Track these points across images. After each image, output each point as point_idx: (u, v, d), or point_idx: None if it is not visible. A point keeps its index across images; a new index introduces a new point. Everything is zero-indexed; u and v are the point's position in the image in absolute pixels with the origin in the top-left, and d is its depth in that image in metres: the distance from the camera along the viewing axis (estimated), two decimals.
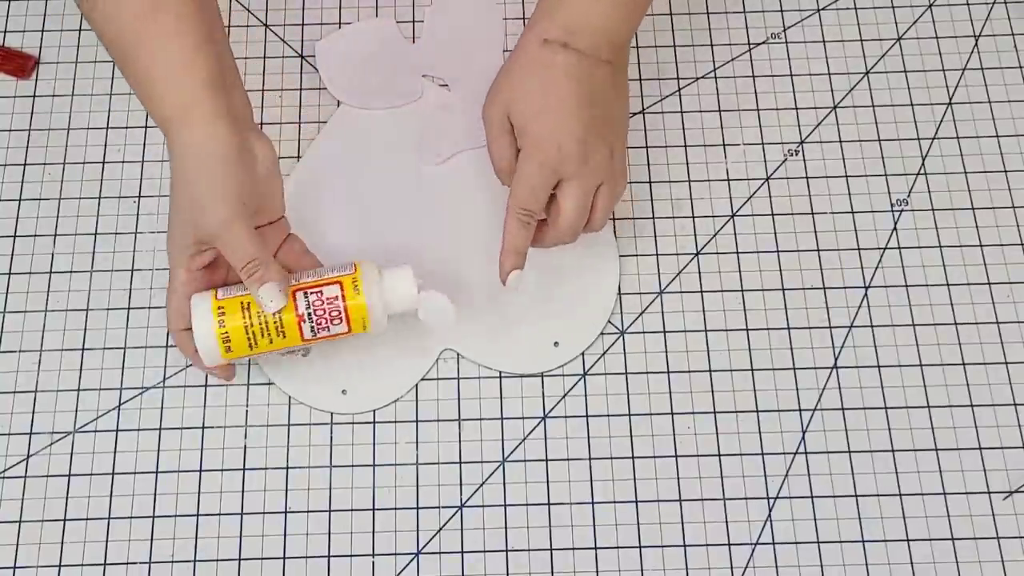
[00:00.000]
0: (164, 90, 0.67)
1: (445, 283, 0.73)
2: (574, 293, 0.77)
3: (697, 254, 0.79)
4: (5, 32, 0.87)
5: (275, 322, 0.67)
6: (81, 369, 0.76)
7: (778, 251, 0.79)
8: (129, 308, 0.78)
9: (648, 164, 0.82)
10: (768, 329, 0.77)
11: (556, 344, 0.76)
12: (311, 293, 0.68)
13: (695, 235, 0.80)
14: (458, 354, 0.76)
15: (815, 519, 0.72)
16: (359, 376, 0.75)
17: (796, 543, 0.71)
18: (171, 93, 0.67)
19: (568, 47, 0.69)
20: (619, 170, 0.72)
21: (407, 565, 0.71)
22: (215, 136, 0.66)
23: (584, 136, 0.69)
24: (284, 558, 0.71)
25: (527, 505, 0.72)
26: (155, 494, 0.72)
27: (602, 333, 0.77)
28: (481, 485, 0.73)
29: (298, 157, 0.82)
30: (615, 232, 0.79)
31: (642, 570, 0.71)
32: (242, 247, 0.66)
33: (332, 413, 0.74)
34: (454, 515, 0.72)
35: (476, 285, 0.76)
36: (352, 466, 0.73)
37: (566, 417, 0.75)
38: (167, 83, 0.67)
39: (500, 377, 0.76)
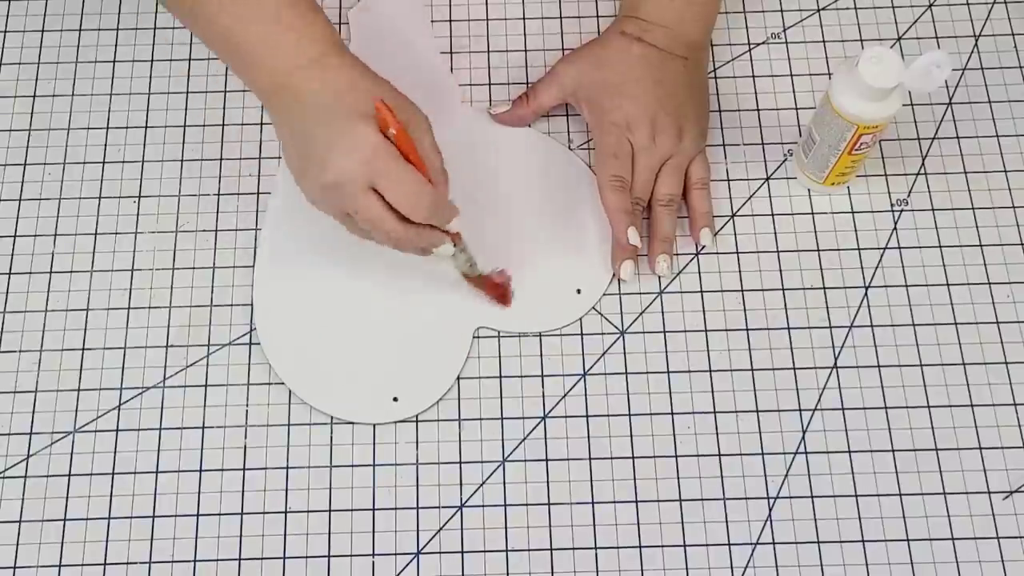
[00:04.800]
0: (296, 41, 0.67)
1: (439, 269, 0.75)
2: (579, 241, 0.79)
3: (697, 254, 0.79)
4: (5, 32, 0.87)
5: None
6: (81, 369, 0.76)
7: (778, 251, 0.79)
8: (129, 308, 0.78)
9: None
10: (768, 329, 0.77)
11: (579, 291, 0.77)
12: None
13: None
14: (499, 333, 0.76)
15: (815, 519, 0.72)
16: (407, 379, 0.75)
17: (796, 543, 0.71)
18: (304, 44, 0.67)
19: (643, 41, 0.78)
20: (688, 151, 0.78)
21: (407, 565, 0.71)
22: (358, 70, 0.67)
23: (653, 114, 0.76)
24: (284, 558, 0.71)
25: (527, 505, 0.72)
26: (155, 494, 0.72)
27: (602, 333, 0.77)
28: (481, 485, 0.73)
29: None
30: None
31: (642, 570, 0.71)
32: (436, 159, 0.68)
33: (375, 425, 0.74)
34: (454, 515, 0.72)
35: (483, 258, 0.76)
36: (352, 466, 0.73)
37: (566, 417, 0.75)
38: (299, 34, 0.67)
39: (500, 377, 0.76)
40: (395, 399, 0.74)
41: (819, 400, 0.75)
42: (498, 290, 0.76)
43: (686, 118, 0.78)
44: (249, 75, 0.69)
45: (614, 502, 0.72)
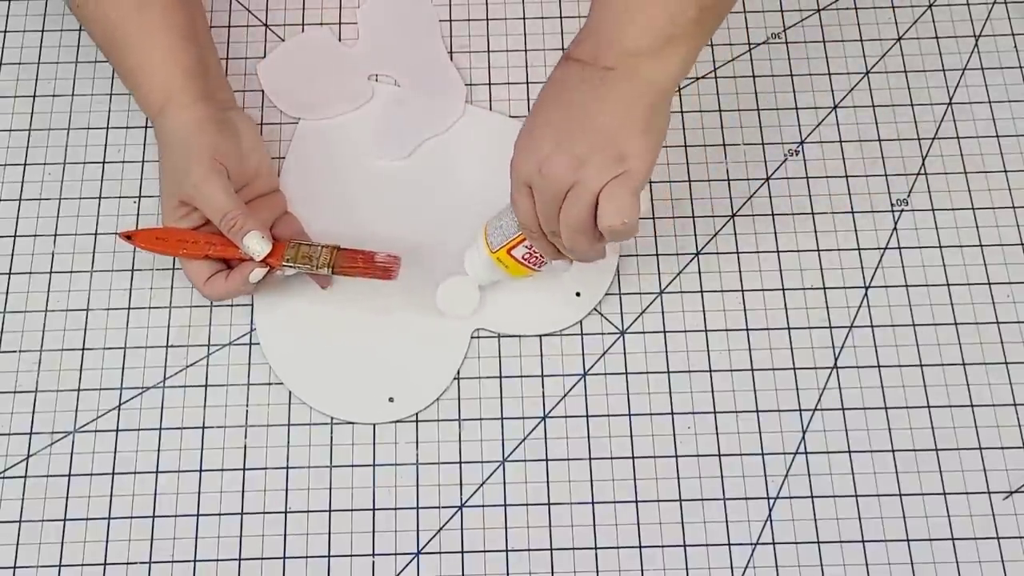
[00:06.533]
0: (150, 80, 0.74)
1: (446, 267, 0.76)
2: None
3: (697, 254, 0.79)
4: (5, 32, 0.87)
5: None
6: (81, 369, 0.76)
7: (778, 251, 0.79)
8: (129, 308, 0.78)
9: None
10: (768, 329, 0.77)
11: (578, 294, 0.77)
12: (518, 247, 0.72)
13: (695, 235, 0.80)
14: (498, 334, 0.76)
15: (815, 519, 0.72)
16: (404, 380, 0.75)
17: (796, 543, 0.71)
18: (156, 82, 0.74)
19: (569, 59, 0.66)
20: (589, 181, 0.63)
21: (407, 565, 0.71)
22: (194, 112, 0.73)
23: (538, 144, 0.65)
24: (284, 558, 0.71)
25: (527, 505, 0.72)
26: (155, 494, 0.72)
27: (602, 333, 0.77)
28: (481, 485, 0.73)
29: None
30: None
31: (642, 570, 0.71)
32: (216, 200, 0.72)
33: (375, 425, 0.74)
34: (454, 515, 0.72)
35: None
36: (352, 466, 0.73)
37: (566, 417, 0.75)
38: (152, 73, 0.74)
39: (500, 377, 0.76)
40: (391, 399, 0.75)
41: (819, 400, 0.75)
42: (370, 269, 0.74)
43: (591, 144, 0.63)
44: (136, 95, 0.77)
45: (614, 502, 0.72)
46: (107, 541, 0.71)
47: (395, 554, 0.71)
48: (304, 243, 0.74)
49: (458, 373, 0.76)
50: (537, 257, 0.72)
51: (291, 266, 0.73)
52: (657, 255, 0.79)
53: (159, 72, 0.74)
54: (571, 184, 0.64)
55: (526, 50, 0.86)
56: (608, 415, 0.74)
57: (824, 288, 0.78)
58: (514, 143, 0.67)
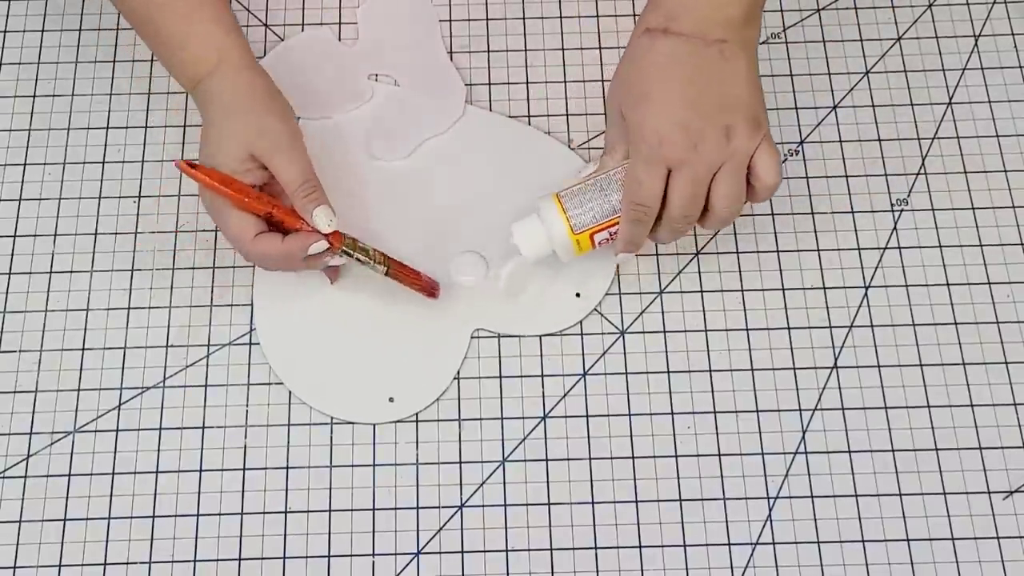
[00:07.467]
0: (203, 40, 0.72)
1: (446, 267, 0.77)
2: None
3: (697, 254, 0.79)
4: (5, 32, 0.87)
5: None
6: (81, 369, 0.76)
7: (778, 251, 0.79)
8: (129, 308, 0.78)
9: None
10: (768, 329, 0.77)
11: (578, 295, 0.77)
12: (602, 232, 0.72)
13: (695, 235, 0.80)
14: (498, 334, 0.76)
15: (815, 519, 0.72)
16: (404, 380, 0.75)
17: (796, 543, 0.71)
18: (212, 41, 0.72)
19: (669, 32, 0.67)
20: (742, 150, 0.67)
21: (407, 565, 0.71)
22: (259, 71, 0.73)
23: (687, 121, 0.66)
24: (284, 558, 0.71)
25: (527, 505, 0.72)
26: (155, 494, 0.72)
27: (602, 333, 0.77)
28: (481, 485, 0.73)
29: None
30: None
31: (642, 570, 0.71)
32: (300, 164, 0.70)
33: (375, 425, 0.74)
34: (454, 515, 0.72)
35: (479, 257, 0.78)
36: (352, 466, 0.73)
37: (566, 417, 0.75)
38: (206, 34, 0.72)
39: (500, 377, 0.76)
40: (391, 399, 0.75)
41: (819, 400, 0.75)
42: (419, 281, 0.75)
43: (733, 114, 0.67)
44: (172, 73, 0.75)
45: (614, 502, 0.72)
46: (107, 541, 0.71)
47: (395, 554, 0.71)
48: (356, 240, 0.73)
49: (458, 373, 0.76)
50: (610, 241, 0.72)
51: (349, 252, 0.72)
52: (657, 255, 0.79)
53: (214, 32, 0.72)
54: (726, 157, 0.67)
55: (526, 50, 0.86)
56: (608, 415, 0.74)
57: (824, 288, 0.78)
58: (635, 128, 0.68)
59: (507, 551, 0.71)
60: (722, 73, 0.67)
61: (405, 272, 0.74)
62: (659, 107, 0.67)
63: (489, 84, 0.85)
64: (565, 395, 0.75)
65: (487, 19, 0.88)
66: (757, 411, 0.75)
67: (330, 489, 0.73)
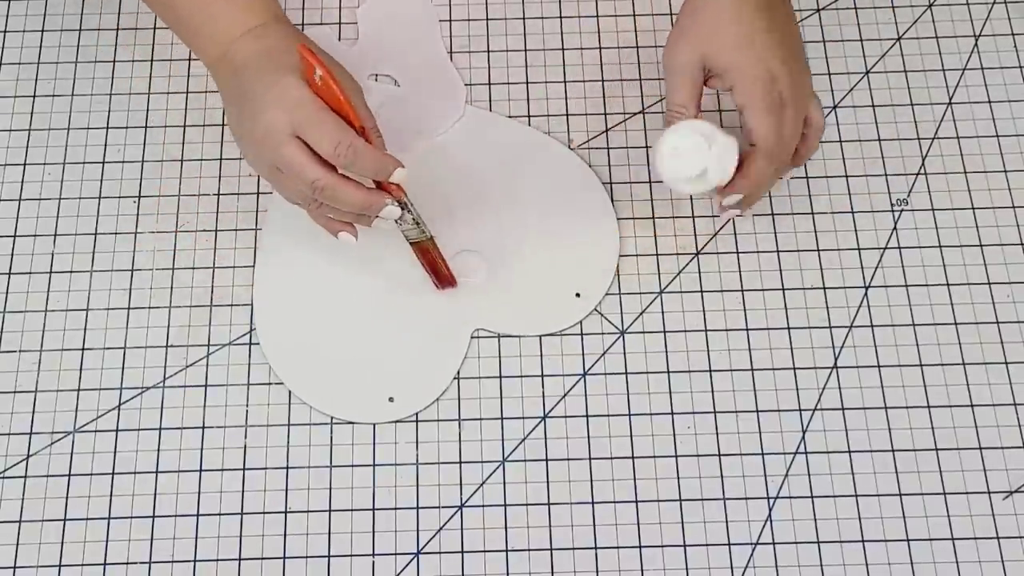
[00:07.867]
0: (234, 12, 0.71)
1: (454, 266, 0.77)
2: (579, 243, 0.79)
3: (697, 254, 0.79)
4: (5, 32, 0.87)
5: None
6: (81, 369, 0.76)
7: (778, 251, 0.79)
8: (129, 308, 0.78)
9: (649, 164, 0.82)
10: (768, 329, 0.77)
11: (578, 295, 0.77)
12: None
13: (695, 235, 0.80)
14: (498, 334, 0.76)
15: (815, 519, 0.72)
16: (404, 380, 0.75)
17: (796, 543, 0.71)
18: (242, 16, 0.70)
19: None
20: (808, 92, 0.72)
21: (407, 565, 0.71)
22: (292, 35, 0.72)
23: (785, 60, 0.70)
24: (284, 558, 0.71)
25: (527, 505, 0.72)
26: (155, 494, 0.72)
27: (602, 333, 0.77)
28: (481, 485, 0.73)
29: None
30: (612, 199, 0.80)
31: (642, 570, 0.71)
32: (362, 111, 0.69)
33: (375, 425, 0.74)
34: (454, 515, 0.72)
35: (479, 256, 0.78)
36: (352, 466, 0.73)
37: (566, 417, 0.75)
38: (238, 5, 0.71)
39: (500, 377, 0.76)
40: (391, 399, 0.75)
41: (819, 400, 0.75)
42: (446, 268, 0.75)
43: (801, 56, 0.73)
44: (194, 44, 0.73)
45: (614, 502, 0.72)
46: (107, 541, 0.71)
47: (395, 554, 0.71)
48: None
49: (458, 373, 0.76)
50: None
51: (405, 206, 0.70)
52: (657, 255, 0.79)
53: (235, 3, 0.71)
54: (810, 94, 0.72)
55: (526, 50, 0.86)
56: (608, 415, 0.75)
57: (824, 288, 0.78)
58: (741, 70, 0.69)
59: (507, 551, 0.71)
60: (787, 17, 0.73)
61: (438, 253, 0.75)
62: (763, 52, 0.70)
63: (489, 84, 0.85)
64: (565, 395, 0.75)
65: (487, 19, 0.88)
66: (757, 411, 0.75)
67: (330, 489, 0.73)
